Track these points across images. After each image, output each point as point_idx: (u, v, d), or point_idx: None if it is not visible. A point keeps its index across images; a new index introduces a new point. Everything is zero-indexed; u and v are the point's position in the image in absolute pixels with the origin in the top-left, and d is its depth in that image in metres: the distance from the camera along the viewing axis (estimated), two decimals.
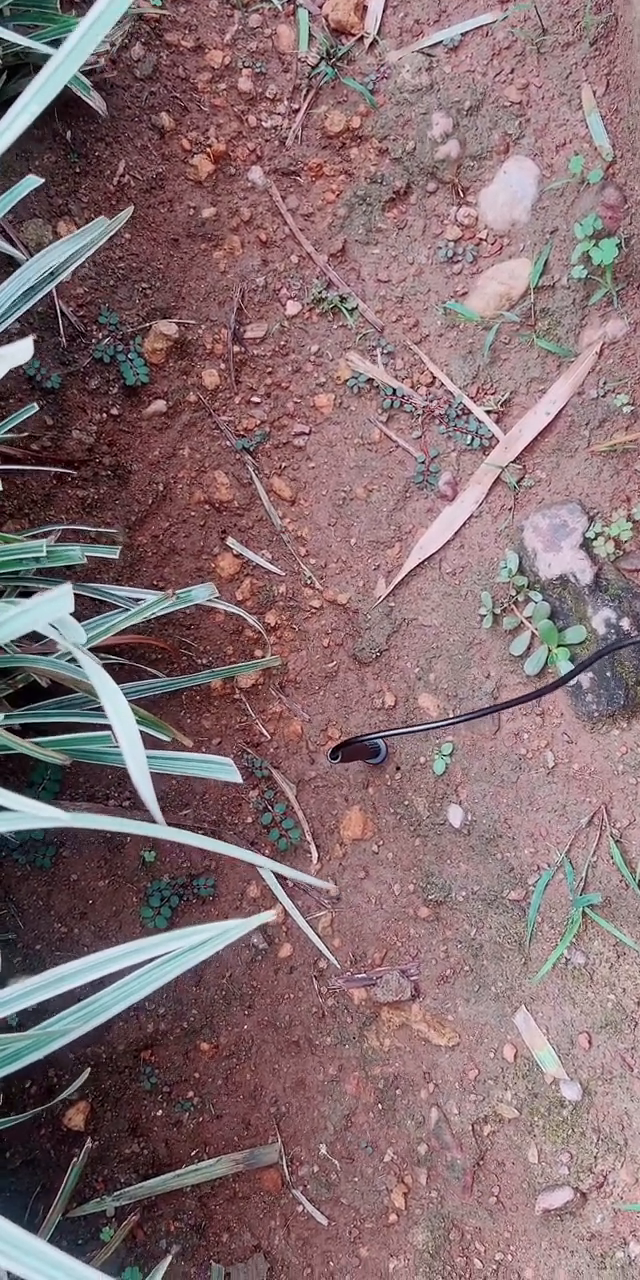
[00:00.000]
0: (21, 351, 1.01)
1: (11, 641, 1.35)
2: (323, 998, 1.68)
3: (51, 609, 0.95)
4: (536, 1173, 1.58)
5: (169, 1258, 1.41)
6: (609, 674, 1.61)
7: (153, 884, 1.68)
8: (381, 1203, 1.62)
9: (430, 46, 1.76)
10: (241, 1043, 1.67)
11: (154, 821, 1.00)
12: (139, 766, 0.92)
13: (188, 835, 1.06)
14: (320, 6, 1.78)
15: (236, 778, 1.36)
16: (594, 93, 1.70)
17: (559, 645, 1.62)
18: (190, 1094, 1.65)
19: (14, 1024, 1.53)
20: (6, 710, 1.55)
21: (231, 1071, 1.66)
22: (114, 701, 0.98)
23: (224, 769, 1.37)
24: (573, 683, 1.62)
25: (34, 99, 1.06)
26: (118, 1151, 1.62)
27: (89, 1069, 1.57)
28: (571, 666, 1.60)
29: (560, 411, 1.70)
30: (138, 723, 1.47)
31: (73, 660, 1.37)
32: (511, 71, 1.74)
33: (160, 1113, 1.64)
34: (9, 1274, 0.90)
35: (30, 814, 1.01)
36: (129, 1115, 1.63)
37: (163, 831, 1.02)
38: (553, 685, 1.51)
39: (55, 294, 1.68)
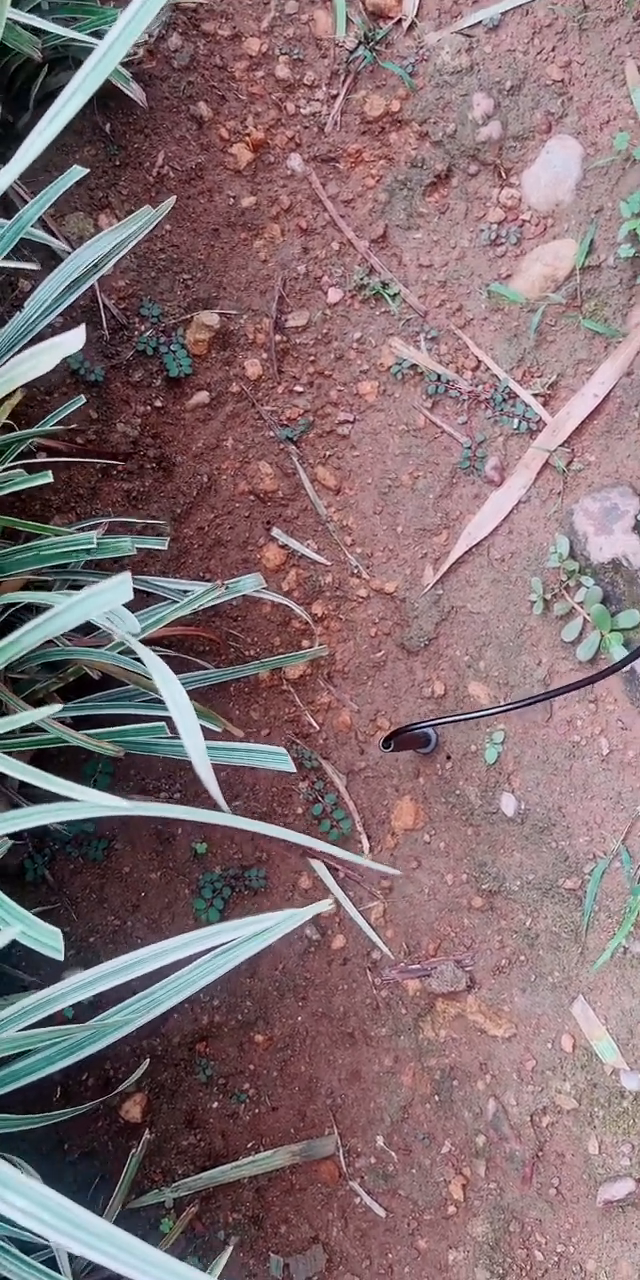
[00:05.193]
0: (74, 340, 1.01)
1: (63, 634, 1.35)
2: (377, 989, 1.67)
3: (110, 597, 0.95)
4: (597, 1164, 1.56)
5: (230, 1249, 1.40)
6: None
7: (204, 876, 1.68)
8: (440, 1194, 1.61)
9: (469, 27, 1.74)
10: (296, 1034, 1.66)
11: (217, 809, 1.00)
12: (199, 754, 0.91)
13: (247, 821, 1.05)
14: None
15: (290, 767, 1.35)
16: (638, 68, 1.67)
17: (612, 630, 1.60)
18: (246, 1086, 1.64)
19: (69, 1016, 1.53)
20: (58, 703, 1.56)
21: (286, 1063, 1.66)
22: (172, 691, 0.97)
23: (277, 758, 1.37)
24: (627, 668, 1.59)
25: (78, 90, 1.05)
26: (175, 1143, 1.62)
27: (146, 1061, 1.57)
28: (625, 652, 1.58)
29: (609, 393, 1.67)
30: None
31: (125, 652, 1.37)
32: (553, 49, 1.71)
33: (216, 1105, 1.64)
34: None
35: (94, 804, 1.01)
36: (185, 1107, 1.63)
37: (225, 818, 1.01)
38: (607, 671, 1.49)
39: (97, 287, 1.68)
